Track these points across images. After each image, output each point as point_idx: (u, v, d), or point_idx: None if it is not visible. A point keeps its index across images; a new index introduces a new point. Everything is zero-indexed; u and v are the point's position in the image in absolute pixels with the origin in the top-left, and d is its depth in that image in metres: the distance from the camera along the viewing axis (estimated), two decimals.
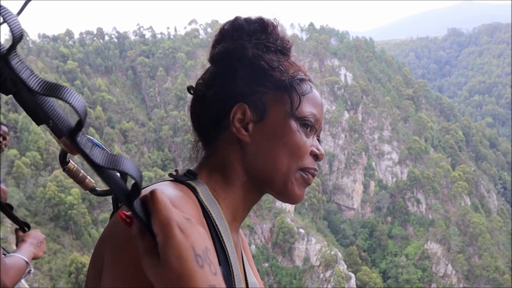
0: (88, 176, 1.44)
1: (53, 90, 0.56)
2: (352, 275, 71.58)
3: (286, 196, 1.00)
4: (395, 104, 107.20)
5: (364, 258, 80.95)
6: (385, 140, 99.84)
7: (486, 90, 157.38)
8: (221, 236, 0.88)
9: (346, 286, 69.13)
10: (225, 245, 0.88)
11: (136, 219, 0.65)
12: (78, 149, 0.58)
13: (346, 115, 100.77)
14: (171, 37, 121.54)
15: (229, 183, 0.99)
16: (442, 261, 79.79)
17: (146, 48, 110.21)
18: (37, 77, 0.56)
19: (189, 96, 1.02)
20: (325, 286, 71.25)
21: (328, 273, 72.08)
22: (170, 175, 0.95)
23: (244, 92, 0.98)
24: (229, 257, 0.89)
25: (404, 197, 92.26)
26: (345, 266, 73.24)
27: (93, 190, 1.45)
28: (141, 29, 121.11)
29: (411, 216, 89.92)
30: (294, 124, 0.98)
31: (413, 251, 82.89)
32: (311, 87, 1.04)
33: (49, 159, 65.09)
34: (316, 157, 1.02)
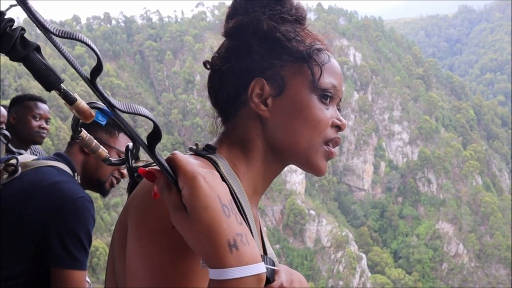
0: (100, 146, 1.43)
1: (70, 34, 0.57)
2: (363, 255, 71.85)
3: (310, 168, 0.99)
4: (405, 84, 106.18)
5: (375, 239, 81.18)
6: (395, 120, 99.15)
7: (498, 68, 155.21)
8: (242, 209, 0.88)
9: (357, 267, 69.45)
10: (246, 218, 0.88)
11: (160, 168, 0.66)
12: (97, 92, 0.58)
13: (356, 95, 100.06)
14: (178, 20, 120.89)
15: (249, 158, 0.97)
16: (453, 241, 79.74)
17: (153, 32, 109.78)
18: (53, 25, 0.57)
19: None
20: (336, 266, 71.64)
21: (339, 254, 72.40)
22: (190, 149, 0.95)
23: (261, 66, 0.96)
24: (250, 230, 0.87)
25: (415, 177, 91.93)
26: (356, 246, 73.49)
27: (106, 160, 1.43)
28: (148, 12, 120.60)
29: (422, 196, 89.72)
30: (314, 97, 0.96)
31: (424, 231, 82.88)
32: (329, 56, 1.01)
33: (60, 145, 65.55)
34: (338, 128, 1.00)
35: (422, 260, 77.79)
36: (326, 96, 0.97)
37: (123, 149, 2.06)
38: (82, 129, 1.30)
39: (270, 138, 0.97)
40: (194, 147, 0.95)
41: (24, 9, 0.54)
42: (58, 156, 1.97)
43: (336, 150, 1.02)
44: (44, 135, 3.13)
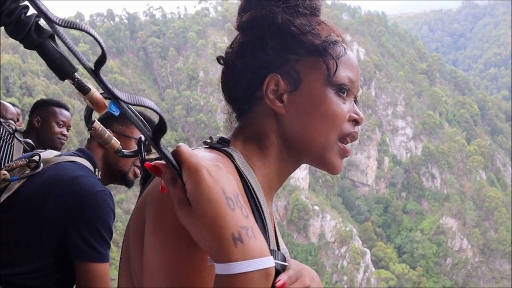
0: (113, 138, 1.43)
1: (74, 24, 0.56)
2: (367, 250, 71.96)
3: (325, 166, 0.98)
4: (408, 79, 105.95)
5: (379, 234, 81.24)
6: (399, 115, 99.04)
7: (502, 63, 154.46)
8: (259, 203, 0.87)
9: (361, 262, 69.57)
10: (263, 212, 0.87)
11: (165, 161, 0.66)
12: (102, 84, 0.58)
13: (359, 91, 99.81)
14: (181, 16, 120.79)
15: (265, 153, 0.95)
16: (457, 236, 79.76)
17: (156, 29, 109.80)
18: (57, 16, 0.56)
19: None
20: (340, 262, 71.78)
21: (343, 249, 72.53)
22: (205, 142, 0.93)
23: (276, 62, 0.94)
24: (266, 225, 0.86)
25: (419, 172, 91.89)
26: (360, 242, 73.60)
27: (119, 152, 1.46)
28: (151, 9, 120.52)
29: (426, 191, 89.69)
30: (331, 92, 0.94)
31: (428, 226, 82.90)
32: (345, 49, 0.98)
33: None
34: (355, 122, 0.98)
35: (426, 255, 77.84)
36: (343, 90, 0.95)
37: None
38: (95, 120, 1.34)
39: (285, 134, 0.95)
40: (209, 141, 0.93)
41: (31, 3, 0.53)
42: (80, 152, 2.02)
43: (349, 147, 0.99)
44: (64, 141, 3.22)
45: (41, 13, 0.54)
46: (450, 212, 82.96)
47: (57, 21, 0.56)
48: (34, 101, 3.55)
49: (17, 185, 1.81)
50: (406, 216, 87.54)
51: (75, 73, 0.98)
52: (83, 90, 1.08)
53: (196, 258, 0.71)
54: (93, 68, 0.59)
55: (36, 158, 1.84)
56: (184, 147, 0.67)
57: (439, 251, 78.84)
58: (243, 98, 0.98)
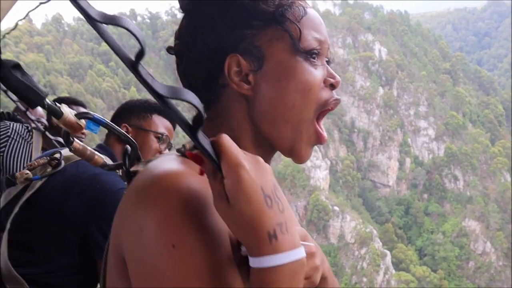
0: (96, 153, 1.41)
1: (112, 19, 0.56)
2: (388, 252, 71.35)
3: (292, 154, 0.89)
4: (431, 79, 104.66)
5: (399, 236, 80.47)
6: (421, 115, 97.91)
7: None
8: None
9: (381, 264, 69.01)
10: None
11: (204, 154, 0.64)
12: (140, 78, 0.57)
13: (381, 91, 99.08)
14: None
15: (240, 147, 0.80)
16: (480, 239, 78.48)
17: None
18: (95, 9, 0.56)
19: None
20: (360, 263, 71.32)
21: (363, 251, 72.06)
22: (178, 150, 0.83)
23: (232, 41, 0.84)
24: None
25: (441, 174, 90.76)
26: (381, 243, 73.02)
27: (104, 166, 1.44)
28: (173, 9, 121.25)
29: (448, 193, 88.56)
30: (299, 60, 0.84)
31: (450, 228, 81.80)
32: (304, 8, 0.88)
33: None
34: (332, 86, 0.88)
35: (448, 258, 76.83)
36: (313, 54, 0.86)
37: (160, 130, 2.11)
38: (74, 139, 1.33)
39: (257, 119, 0.87)
40: (182, 149, 0.82)
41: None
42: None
43: (325, 135, 0.90)
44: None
45: (81, 9, 0.53)
46: (473, 214, 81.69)
47: (97, 18, 0.55)
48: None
49: (39, 183, 1.82)
50: (427, 218, 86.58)
51: (46, 99, 0.95)
52: (55, 115, 1.04)
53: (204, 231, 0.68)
54: (133, 59, 0.58)
55: (57, 156, 1.83)
56: (224, 138, 0.65)
57: (462, 254, 77.69)
58: (206, 88, 0.88)
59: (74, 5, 0.53)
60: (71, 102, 3.21)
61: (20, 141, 2.96)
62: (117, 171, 1.95)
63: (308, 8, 0.89)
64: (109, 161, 1.90)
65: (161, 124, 2.15)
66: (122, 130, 1.33)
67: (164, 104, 0.59)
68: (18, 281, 1.70)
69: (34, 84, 1.03)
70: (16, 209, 1.78)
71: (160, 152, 2.10)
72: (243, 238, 0.65)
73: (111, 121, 2.12)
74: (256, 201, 0.62)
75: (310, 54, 0.85)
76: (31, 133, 3.02)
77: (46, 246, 1.76)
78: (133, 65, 0.56)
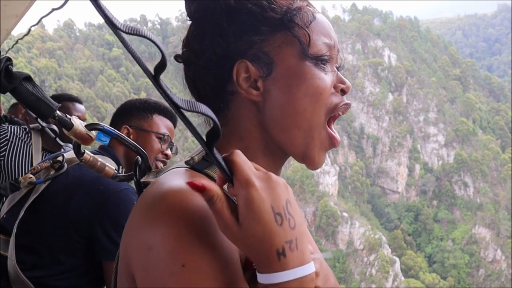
0: (107, 164, 1.42)
1: (136, 30, 0.56)
2: (397, 259, 70.96)
3: (306, 160, 0.88)
4: (441, 85, 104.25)
5: (409, 242, 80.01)
6: (431, 122, 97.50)
7: None
8: None
9: (390, 270, 68.62)
10: None
11: (218, 167, 0.65)
12: (160, 89, 0.58)
13: (390, 97, 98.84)
14: None
15: (250, 155, 0.81)
16: (491, 246, 77.79)
17: None
18: (120, 21, 0.56)
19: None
20: (369, 270, 70.98)
21: (372, 257, 71.73)
22: (187, 163, 0.84)
23: (240, 47, 0.84)
24: None
25: (451, 180, 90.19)
26: (390, 250, 72.66)
27: (115, 177, 1.45)
28: (183, 14, 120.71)
29: (458, 200, 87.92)
30: (309, 66, 0.84)
31: (460, 235, 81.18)
32: (312, 13, 0.87)
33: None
34: (342, 91, 0.88)
35: (457, 265, 76.20)
36: (323, 60, 0.85)
37: (161, 131, 2.10)
38: (85, 150, 1.33)
39: (267, 126, 0.86)
40: (191, 161, 0.84)
41: (94, 5, 0.53)
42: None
43: (339, 137, 0.90)
44: None
45: (106, 19, 0.54)
46: (483, 221, 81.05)
47: (122, 29, 0.55)
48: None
49: (43, 186, 1.84)
50: (437, 225, 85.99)
51: (56, 111, 0.95)
52: (66, 126, 1.04)
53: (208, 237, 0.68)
54: (153, 73, 0.58)
55: (60, 158, 1.87)
56: (236, 155, 0.65)
57: (472, 262, 77.02)
58: (214, 96, 0.88)
59: (99, 13, 0.54)
60: (67, 99, 3.13)
61: (19, 143, 2.96)
62: (120, 171, 2.04)
63: (317, 14, 0.88)
64: (111, 162, 1.90)
65: (162, 124, 2.13)
66: (131, 141, 1.33)
67: (182, 116, 0.60)
68: (26, 285, 1.71)
69: (44, 96, 1.03)
70: (22, 213, 1.80)
71: (162, 152, 2.12)
72: (252, 256, 0.65)
73: (111, 122, 2.11)
74: (266, 220, 0.62)
75: (320, 60, 0.84)
76: (29, 135, 3.00)
77: (52, 248, 1.78)
78: (154, 77, 0.57)
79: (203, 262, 0.65)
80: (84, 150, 1.34)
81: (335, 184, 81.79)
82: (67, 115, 1.14)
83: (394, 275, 68.78)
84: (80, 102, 3.19)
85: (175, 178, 0.76)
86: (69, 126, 1.06)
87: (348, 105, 0.89)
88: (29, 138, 2.99)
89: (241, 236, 0.64)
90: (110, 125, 2.07)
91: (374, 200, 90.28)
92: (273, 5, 0.84)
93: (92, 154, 1.41)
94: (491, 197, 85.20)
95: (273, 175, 0.66)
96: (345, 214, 76.48)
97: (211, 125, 0.80)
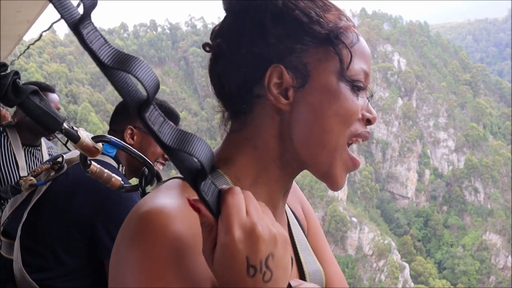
0: (113, 175, 1.42)
1: (124, 63, 0.52)
2: (406, 265, 70.49)
3: (328, 180, 0.85)
4: (451, 90, 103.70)
5: (418, 248, 79.51)
6: (441, 127, 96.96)
7: None
8: None
9: (399, 276, 68.17)
10: None
11: (204, 204, 0.63)
12: (145, 126, 0.55)
13: (400, 102, 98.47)
14: None
15: (261, 163, 0.84)
16: (502, 253, 77.04)
17: (197, 39, 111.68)
18: (109, 48, 0.52)
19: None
20: (378, 275, 70.56)
21: (381, 263, 71.31)
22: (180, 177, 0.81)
23: (279, 52, 0.80)
24: None
25: (461, 186, 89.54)
26: (399, 255, 72.21)
27: (121, 188, 1.46)
28: (193, 19, 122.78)
29: (469, 206, 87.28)
30: (344, 87, 0.81)
31: (471, 241, 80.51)
32: (357, 35, 0.85)
33: None
34: (368, 121, 0.86)
35: (468, 271, 75.51)
36: (358, 86, 0.83)
37: (163, 140, 2.14)
38: (91, 162, 1.34)
39: (288, 140, 0.83)
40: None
41: (79, 40, 0.51)
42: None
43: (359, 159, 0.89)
44: None
45: (94, 56, 0.51)
46: (494, 227, 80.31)
47: (108, 64, 0.52)
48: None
49: (44, 188, 1.85)
50: (447, 231, 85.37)
51: (63, 124, 0.95)
52: (73, 139, 1.05)
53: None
54: (137, 109, 0.54)
55: (59, 159, 1.89)
56: (231, 196, 0.63)
57: (482, 268, 76.29)
58: (239, 95, 0.84)
59: (85, 49, 0.51)
60: (44, 88, 2.98)
61: None
62: (120, 169, 1.97)
63: (360, 36, 0.86)
64: (113, 161, 1.93)
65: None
66: (138, 152, 1.36)
67: (170, 155, 0.58)
68: (32, 287, 1.72)
69: (51, 110, 1.03)
70: (25, 215, 1.81)
71: (163, 156, 2.12)
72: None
73: (112, 118, 2.12)
74: (237, 269, 0.61)
75: (356, 85, 0.82)
76: (4, 133, 2.95)
77: (56, 250, 1.79)
78: (138, 113, 0.54)
79: None
80: (91, 162, 1.33)
81: (344, 189, 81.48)
82: (74, 127, 1.15)
83: (404, 281, 68.30)
84: (52, 91, 3.10)
85: (163, 196, 0.75)
86: (76, 138, 1.05)
87: (369, 134, 0.87)
88: (5, 137, 2.94)
89: (212, 269, 0.64)
90: (112, 122, 2.12)
91: (383, 205, 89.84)
92: (321, 19, 0.82)
93: (98, 166, 1.41)
94: (502, 203, 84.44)
95: (259, 227, 0.62)
96: (354, 219, 76.18)
97: (225, 120, 0.86)
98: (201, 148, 0.58)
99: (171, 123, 0.57)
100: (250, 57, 0.81)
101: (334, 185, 0.86)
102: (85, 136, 1.16)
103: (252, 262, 0.62)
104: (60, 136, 2.87)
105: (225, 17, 0.86)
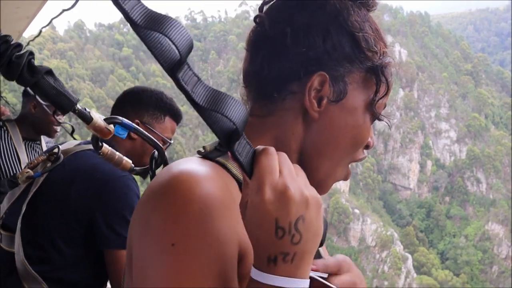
0: (124, 157, 1.42)
1: (156, 23, 0.51)
2: (409, 255, 70.65)
3: (319, 186, 0.84)
4: (452, 80, 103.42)
5: (421, 239, 79.61)
6: (443, 117, 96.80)
7: None
8: None
9: (402, 267, 68.35)
10: None
11: (238, 165, 0.64)
12: (179, 86, 0.55)
13: (401, 93, 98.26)
14: (222, 20, 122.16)
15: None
16: (504, 243, 77.14)
17: (197, 32, 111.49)
18: (142, 7, 0.51)
19: (242, 79, 0.88)
20: (381, 266, 70.76)
21: (384, 254, 71.48)
22: (199, 152, 0.84)
23: (330, 62, 0.81)
24: None
25: (463, 176, 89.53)
26: (402, 246, 72.36)
27: (132, 170, 1.47)
28: (192, 13, 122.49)
29: (471, 196, 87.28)
30: (367, 116, 0.85)
31: (473, 232, 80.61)
32: (391, 72, 0.88)
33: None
34: (366, 146, 0.90)
35: (470, 262, 75.68)
36: (377, 118, 0.88)
37: (169, 136, 2.08)
38: (103, 144, 1.34)
39: (304, 142, 0.85)
40: (203, 151, 0.84)
41: (114, 3, 0.50)
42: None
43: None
44: (58, 130, 3.15)
45: (127, 16, 0.51)
46: (496, 218, 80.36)
47: (140, 24, 0.52)
48: (80, 104, 3.49)
49: (41, 179, 1.86)
50: (449, 221, 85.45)
51: (77, 105, 0.96)
52: (85, 119, 1.06)
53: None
54: (170, 69, 0.55)
55: (55, 150, 1.90)
56: (265, 156, 0.64)
57: (485, 258, 76.44)
58: (274, 83, 0.84)
59: (120, 11, 0.51)
60: None
61: None
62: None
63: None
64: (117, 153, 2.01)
65: (170, 128, 2.10)
66: (148, 135, 1.38)
67: (204, 116, 0.58)
68: (35, 279, 1.74)
69: (65, 90, 1.05)
70: (24, 208, 1.82)
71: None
72: (251, 242, 0.66)
73: (117, 105, 2.09)
74: (266, 229, 0.62)
75: (377, 117, 0.87)
76: (4, 128, 2.97)
77: (55, 240, 1.79)
78: (172, 73, 0.54)
79: (193, 246, 0.66)
80: (102, 144, 1.34)
81: (346, 181, 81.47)
82: (86, 109, 1.16)
83: (407, 272, 68.53)
84: None
85: (187, 163, 0.77)
86: (89, 119, 1.06)
87: (364, 158, 0.92)
88: (5, 132, 2.96)
89: (245, 225, 0.65)
90: (118, 108, 2.07)
91: (385, 197, 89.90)
92: (375, 48, 0.83)
93: (110, 148, 1.41)
94: (504, 193, 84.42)
95: (291, 189, 0.63)
96: (356, 211, 76.28)
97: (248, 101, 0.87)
98: (236, 108, 0.58)
99: (205, 83, 0.56)
100: (306, 56, 0.81)
101: (321, 193, 0.87)
102: (98, 117, 1.17)
103: (281, 223, 0.62)
104: (66, 126, 2.88)
105: (296, 5, 0.85)
